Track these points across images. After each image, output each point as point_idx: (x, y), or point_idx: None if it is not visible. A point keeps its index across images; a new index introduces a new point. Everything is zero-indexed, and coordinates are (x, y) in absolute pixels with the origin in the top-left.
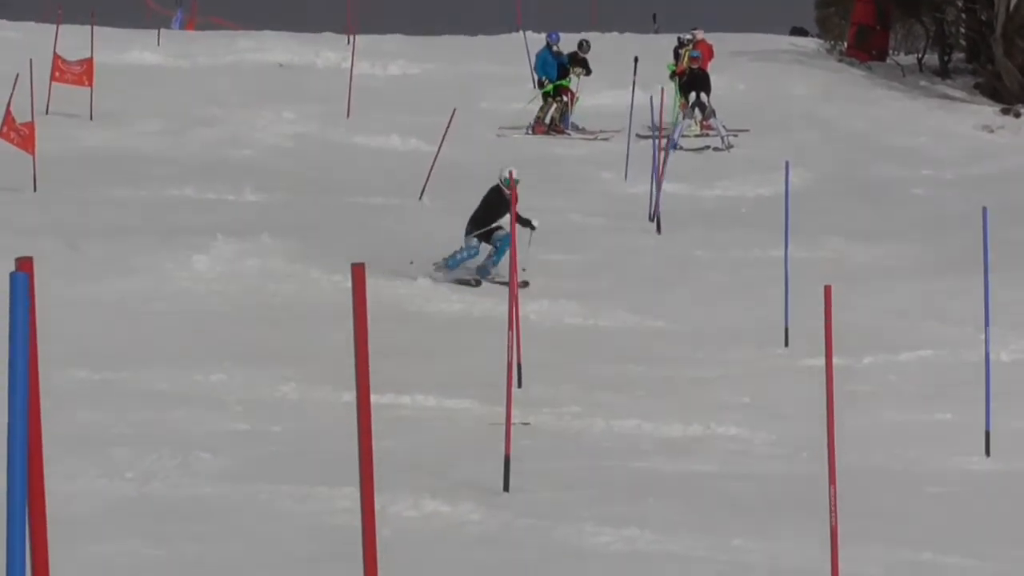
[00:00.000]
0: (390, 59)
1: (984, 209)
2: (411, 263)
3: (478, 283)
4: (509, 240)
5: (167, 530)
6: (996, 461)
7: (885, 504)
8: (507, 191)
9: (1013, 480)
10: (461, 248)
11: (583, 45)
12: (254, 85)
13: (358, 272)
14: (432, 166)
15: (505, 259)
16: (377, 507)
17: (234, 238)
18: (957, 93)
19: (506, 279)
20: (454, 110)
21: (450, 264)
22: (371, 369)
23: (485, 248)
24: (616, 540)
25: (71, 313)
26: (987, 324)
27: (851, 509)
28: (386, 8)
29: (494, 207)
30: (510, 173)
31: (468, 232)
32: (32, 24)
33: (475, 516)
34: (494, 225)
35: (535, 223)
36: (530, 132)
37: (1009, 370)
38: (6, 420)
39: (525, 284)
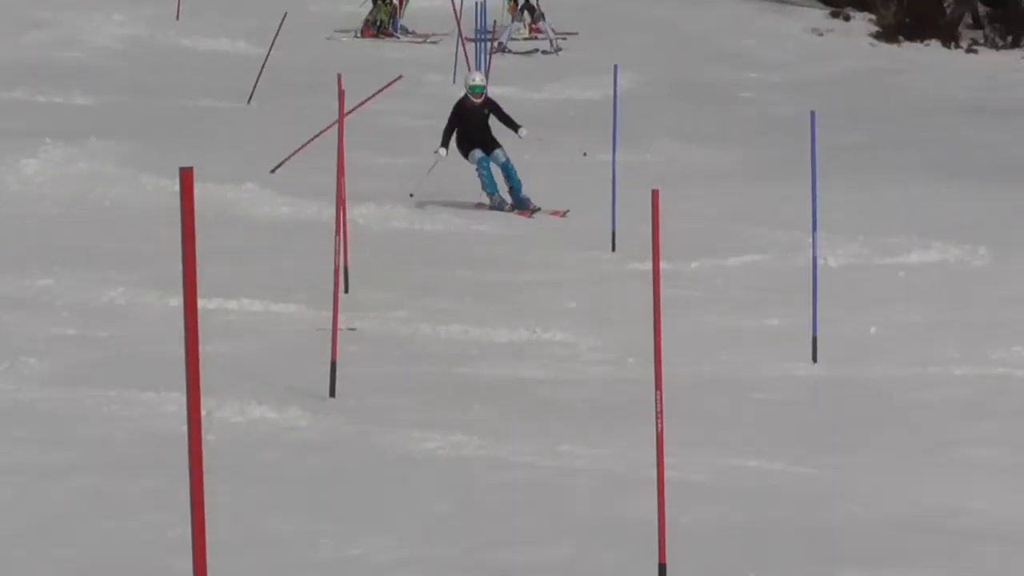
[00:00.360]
0: None
1: (812, 113)
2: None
3: (535, 210)
4: (510, 163)
5: None
6: (823, 367)
7: (712, 410)
8: (475, 100)
9: (839, 386)
10: (477, 169)
11: None
12: None
13: (186, 175)
14: (261, 70)
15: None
16: (203, 412)
17: (63, 141)
18: None
19: (534, 206)
20: (284, 14)
21: (490, 191)
22: (198, 274)
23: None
24: (443, 446)
25: None
26: (815, 229)
27: (677, 415)
28: None
29: (473, 119)
30: (473, 80)
31: (463, 149)
32: None
33: (302, 422)
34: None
35: (523, 132)
36: (359, 35)
37: (836, 275)
38: None
39: (537, 209)
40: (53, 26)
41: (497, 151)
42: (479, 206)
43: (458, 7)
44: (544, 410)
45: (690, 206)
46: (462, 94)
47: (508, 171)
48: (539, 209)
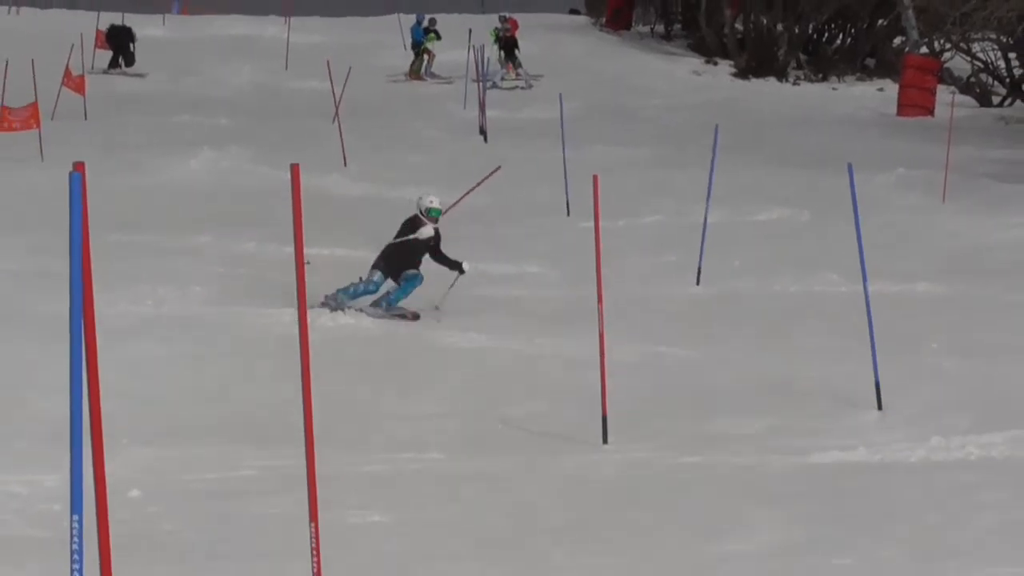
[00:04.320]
0: (313, 31)
1: (716, 127)
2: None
3: (340, 309)
4: (419, 280)
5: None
6: (704, 288)
7: (633, 316)
8: (427, 224)
9: (715, 300)
10: (360, 280)
11: (433, 21)
12: (226, 50)
13: (295, 169)
14: (339, 100)
15: (406, 298)
16: (308, 320)
17: (213, 148)
18: (676, 50)
19: (402, 313)
20: (349, 68)
21: (348, 294)
22: (303, 231)
23: (387, 284)
24: (463, 340)
25: (125, 200)
26: (708, 197)
27: (612, 319)
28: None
29: (413, 246)
30: (431, 202)
31: (377, 266)
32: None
33: (371, 325)
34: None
35: (465, 266)
36: (405, 78)
37: (714, 228)
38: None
39: (417, 317)
40: (205, 74)
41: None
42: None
43: (469, 59)
44: (527, 315)
45: (618, 183)
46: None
47: (410, 286)
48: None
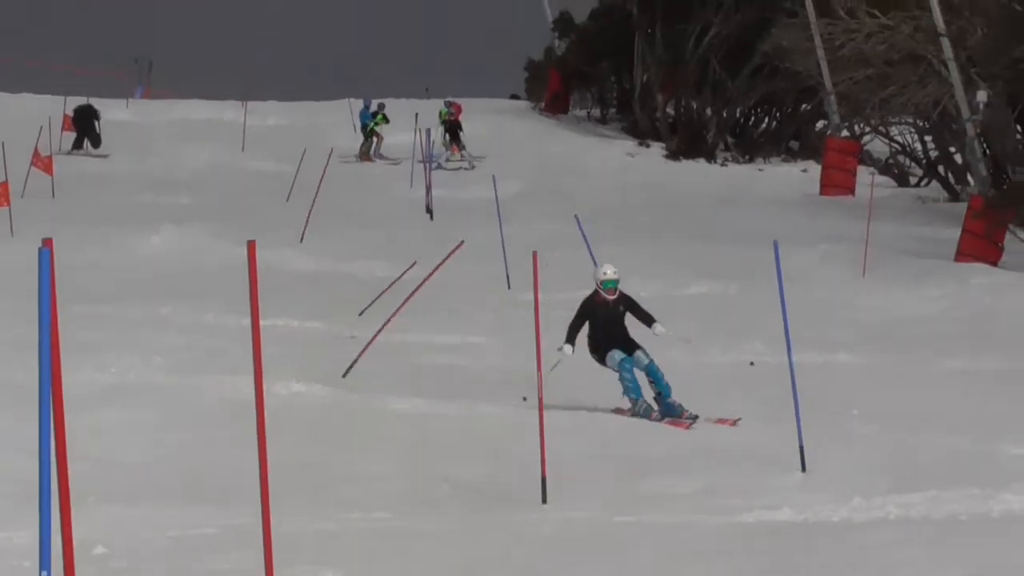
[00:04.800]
0: (268, 115)
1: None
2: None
3: (694, 418)
4: (654, 365)
5: None
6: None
7: (569, 383)
8: (608, 296)
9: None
10: (619, 373)
11: (382, 106)
12: (187, 132)
13: (251, 245)
14: (293, 181)
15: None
16: (265, 386)
17: (174, 224)
18: (611, 133)
19: (689, 413)
20: (304, 149)
21: (635, 396)
22: (259, 302)
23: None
24: (407, 406)
25: (91, 273)
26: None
27: (550, 387)
28: (268, 83)
29: (608, 319)
30: (604, 274)
31: (598, 358)
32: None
33: (322, 393)
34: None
35: (659, 329)
36: (356, 159)
37: (646, 301)
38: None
39: (694, 418)
40: (167, 155)
41: (639, 352)
42: (618, 411)
43: (416, 142)
44: (468, 383)
45: (554, 259)
46: (591, 290)
47: (653, 374)
48: (697, 417)
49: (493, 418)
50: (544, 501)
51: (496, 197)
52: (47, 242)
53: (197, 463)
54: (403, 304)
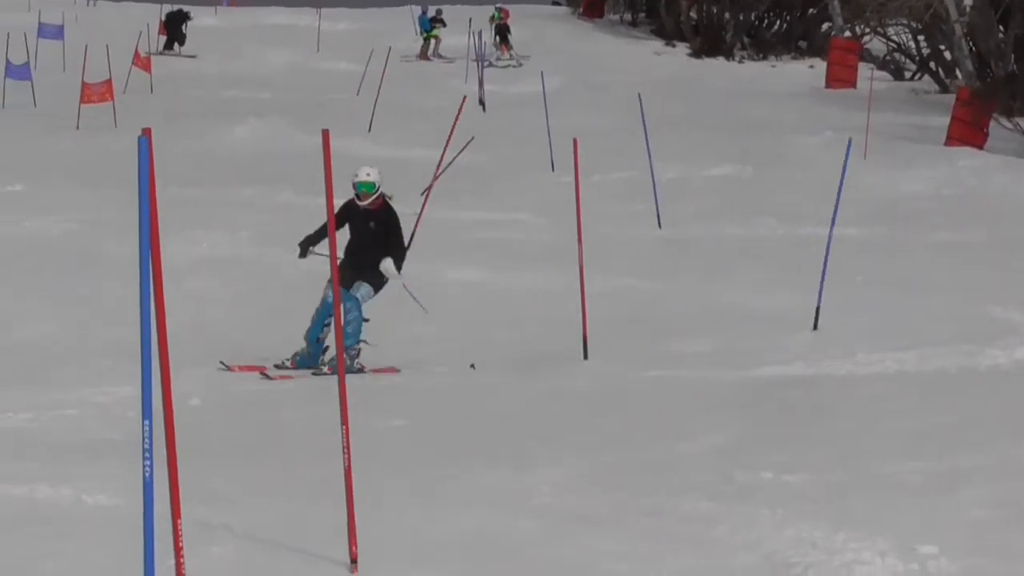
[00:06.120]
0: (340, 20)
1: (640, 95)
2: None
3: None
4: (355, 301)
5: None
6: (666, 230)
7: (606, 255)
8: (360, 203)
9: (671, 241)
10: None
11: (439, 11)
12: (267, 36)
13: (325, 134)
14: (362, 78)
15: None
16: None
17: (256, 117)
18: (641, 35)
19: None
20: (372, 49)
21: (312, 342)
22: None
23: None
24: (463, 275)
25: (183, 160)
26: (650, 157)
27: (589, 258)
28: None
29: (358, 233)
30: (357, 175)
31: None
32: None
33: None
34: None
35: (392, 269)
36: (416, 59)
37: (671, 182)
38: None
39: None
40: (249, 56)
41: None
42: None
43: (470, 43)
44: (515, 255)
45: (591, 145)
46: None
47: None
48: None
49: (540, 287)
50: (585, 357)
51: (544, 90)
52: (146, 132)
53: (278, 326)
54: (433, 181)
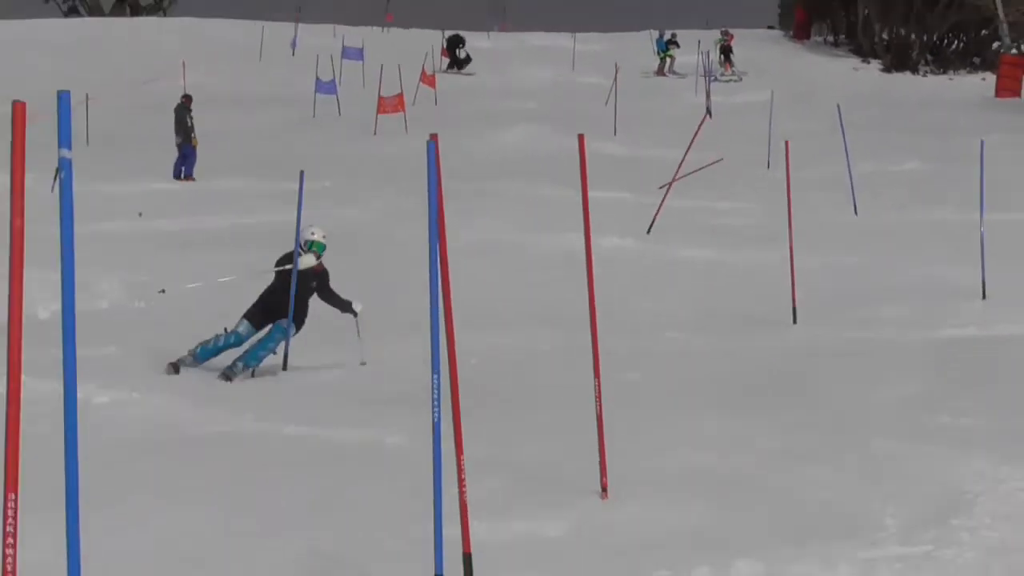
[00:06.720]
0: (591, 42)
1: (839, 106)
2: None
3: (227, 379)
4: (283, 331)
5: None
6: (862, 217)
7: (814, 235)
8: (307, 258)
9: (872, 225)
10: (224, 331)
11: (674, 35)
12: (532, 56)
13: (581, 138)
14: (611, 90)
15: (271, 353)
16: None
17: (525, 123)
18: (841, 53)
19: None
20: (617, 67)
21: (200, 355)
22: None
23: (255, 336)
24: (695, 254)
25: (464, 158)
26: (848, 156)
27: (800, 238)
28: (591, 19)
29: (299, 286)
30: (312, 235)
31: (248, 315)
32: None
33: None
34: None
35: (357, 307)
36: (654, 74)
37: (870, 176)
38: None
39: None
40: (518, 73)
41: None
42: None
43: (699, 61)
44: (737, 237)
45: (800, 146)
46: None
47: (275, 336)
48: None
49: (756, 264)
50: (795, 322)
51: (771, 102)
52: (433, 136)
53: (542, 298)
54: (673, 179)
